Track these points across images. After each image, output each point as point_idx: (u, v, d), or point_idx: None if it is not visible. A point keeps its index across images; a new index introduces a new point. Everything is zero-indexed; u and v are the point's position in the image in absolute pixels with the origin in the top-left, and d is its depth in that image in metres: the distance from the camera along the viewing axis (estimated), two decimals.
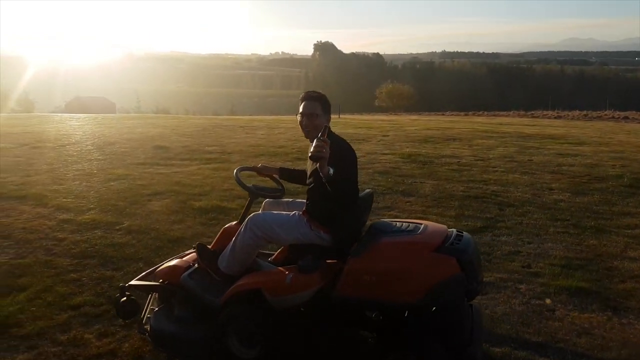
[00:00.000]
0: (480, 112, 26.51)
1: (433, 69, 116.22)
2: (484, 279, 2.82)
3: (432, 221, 2.83)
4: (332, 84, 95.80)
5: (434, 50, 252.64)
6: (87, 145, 9.76)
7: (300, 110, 2.69)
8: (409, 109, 37.02)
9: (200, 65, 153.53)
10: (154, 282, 2.98)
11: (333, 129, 2.61)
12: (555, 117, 23.98)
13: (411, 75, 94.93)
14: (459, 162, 8.04)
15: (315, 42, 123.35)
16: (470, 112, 26.49)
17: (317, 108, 2.66)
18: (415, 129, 12.98)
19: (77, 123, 14.82)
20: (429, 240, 2.44)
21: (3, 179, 6.78)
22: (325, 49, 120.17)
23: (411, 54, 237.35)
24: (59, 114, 21.11)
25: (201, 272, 2.86)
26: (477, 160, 8.25)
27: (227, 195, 5.96)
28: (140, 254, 4.14)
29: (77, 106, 38.45)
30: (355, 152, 2.70)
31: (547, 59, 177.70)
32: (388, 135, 11.48)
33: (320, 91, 2.78)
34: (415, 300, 2.35)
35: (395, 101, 42.25)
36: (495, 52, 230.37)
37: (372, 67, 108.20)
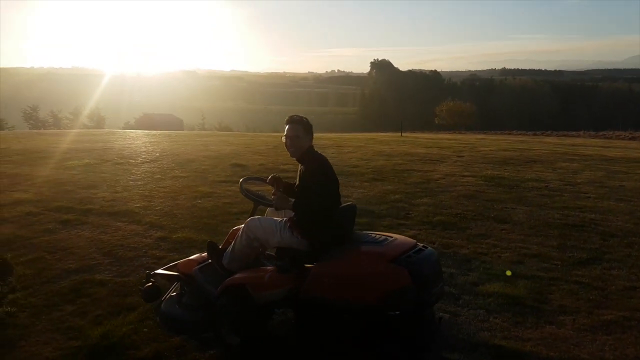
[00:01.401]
0: (549, 132, 25.29)
1: (493, 87, 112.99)
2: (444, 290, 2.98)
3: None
4: (389, 101, 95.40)
5: (493, 68, 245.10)
6: (168, 162, 10.10)
7: (285, 132, 3.06)
8: (470, 127, 36.05)
9: (259, 84, 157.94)
10: (174, 272, 3.38)
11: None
12: (629, 138, 22.45)
13: (470, 92, 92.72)
14: (547, 186, 7.60)
15: (372, 60, 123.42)
16: (538, 132, 25.36)
17: (299, 130, 3.02)
18: (490, 150, 12.49)
19: (153, 139, 15.45)
20: (388, 252, 2.66)
21: (93, 195, 7.10)
22: (381, 67, 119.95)
23: (469, 71, 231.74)
24: (133, 131, 22.18)
25: (211, 267, 3.25)
26: (566, 185, 7.78)
27: None
28: None
29: (146, 122, 40.42)
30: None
31: (613, 77, 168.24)
32: (463, 156, 11.11)
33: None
34: (367, 305, 2.56)
35: (456, 119, 41.28)
36: (558, 69, 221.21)
37: (430, 84, 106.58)
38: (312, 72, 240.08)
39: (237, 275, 2.98)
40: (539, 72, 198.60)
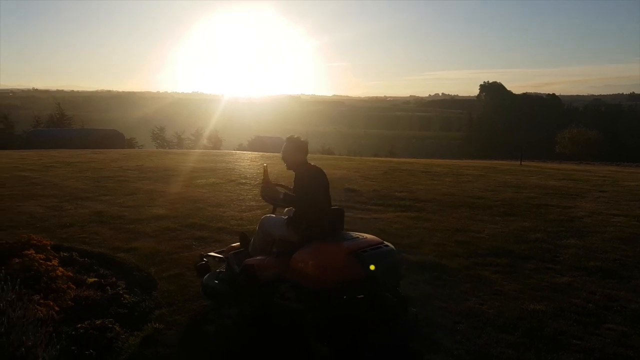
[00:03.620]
0: None
1: (620, 113, 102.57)
2: None
3: None
4: (500, 127, 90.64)
5: (620, 92, 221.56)
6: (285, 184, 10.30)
7: (282, 149, 3.80)
8: (596, 158, 32.75)
9: (360, 108, 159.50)
10: (220, 254, 4.31)
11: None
12: None
13: (594, 119, 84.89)
14: None
15: (482, 83, 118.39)
16: None
17: (292, 148, 3.75)
18: (637, 185, 11.06)
19: (268, 161, 16.05)
20: (350, 246, 3.16)
21: (223, 213, 7.41)
22: (492, 90, 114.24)
23: (592, 95, 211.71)
24: (248, 152, 23.33)
25: (242, 253, 4.05)
26: None
27: (441, 252, 5.56)
28: None
29: (258, 144, 42.48)
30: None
31: None
32: (605, 191, 9.93)
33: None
34: (326, 288, 3.07)
35: (581, 148, 37.70)
36: None
37: (547, 109, 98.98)
38: (414, 96, 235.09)
39: (250, 259, 3.76)
40: None
